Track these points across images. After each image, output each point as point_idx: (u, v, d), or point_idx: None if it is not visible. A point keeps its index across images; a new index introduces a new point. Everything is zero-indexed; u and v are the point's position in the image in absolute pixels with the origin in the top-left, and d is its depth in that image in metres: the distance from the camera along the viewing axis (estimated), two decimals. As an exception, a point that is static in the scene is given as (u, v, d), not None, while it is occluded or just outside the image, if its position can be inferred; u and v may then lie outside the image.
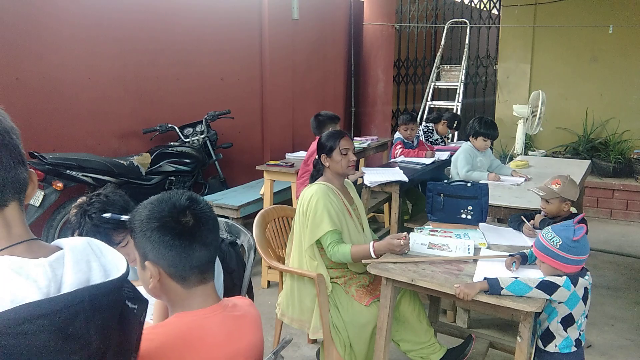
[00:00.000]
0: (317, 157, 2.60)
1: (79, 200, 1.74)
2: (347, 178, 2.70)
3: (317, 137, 3.61)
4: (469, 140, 3.88)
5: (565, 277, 1.81)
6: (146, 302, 0.91)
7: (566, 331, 1.88)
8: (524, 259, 2.08)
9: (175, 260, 1.13)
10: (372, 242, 2.28)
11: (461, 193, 2.67)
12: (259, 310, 1.35)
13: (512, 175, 3.75)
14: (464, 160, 3.74)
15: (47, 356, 0.70)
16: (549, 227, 1.91)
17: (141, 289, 1.04)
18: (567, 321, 1.87)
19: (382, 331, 2.17)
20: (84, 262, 0.81)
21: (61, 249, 0.82)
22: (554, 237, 1.85)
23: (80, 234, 1.67)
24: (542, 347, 1.94)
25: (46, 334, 0.69)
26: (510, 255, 2.12)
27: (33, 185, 0.90)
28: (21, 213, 0.86)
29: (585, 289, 1.86)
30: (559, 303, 1.84)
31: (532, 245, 1.98)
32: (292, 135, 5.71)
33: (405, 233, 2.23)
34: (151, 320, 1.55)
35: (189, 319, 1.16)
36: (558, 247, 1.83)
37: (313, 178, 2.63)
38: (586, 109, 6.31)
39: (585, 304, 1.87)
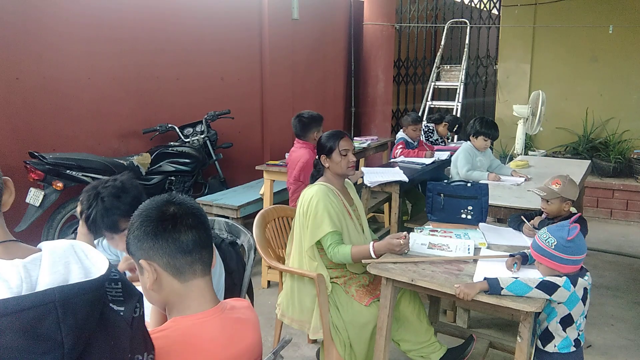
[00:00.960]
0: (316, 157, 2.60)
1: (94, 183, 1.73)
2: (348, 179, 2.70)
3: (296, 140, 3.60)
4: (469, 140, 3.89)
5: (565, 277, 1.81)
6: (138, 296, 0.89)
7: (565, 331, 1.88)
8: (524, 259, 2.08)
9: (164, 247, 1.12)
10: (372, 243, 2.28)
11: (461, 193, 2.66)
12: (259, 310, 1.34)
13: (512, 175, 3.74)
14: (463, 159, 3.75)
15: (15, 356, 0.67)
16: (545, 228, 1.92)
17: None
18: (566, 321, 1.87)
19: (382, 331, 2.17)
20: (62, 263, 0.78)
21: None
22: (549, 237, 1.85)
23: (88, 216, 1.66)
24: (541, 347, 1.94)
25: (13, 333, 0.67)
26: (510, 255, 2.12)
27: (9, 192, 0.90)
28: None
29: (585, 289, 1.86)
30: (558, 303, 1.84)
31: (529, 247, 1.98)
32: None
33: (405, 233, 2.23)
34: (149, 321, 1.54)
35: (187, 323, 1.13)
36: (553, 247, 1.83)
37: (313, 178, 2.63)
38: (586, 109, 6.30)
39: (584, 305, 1.87)
